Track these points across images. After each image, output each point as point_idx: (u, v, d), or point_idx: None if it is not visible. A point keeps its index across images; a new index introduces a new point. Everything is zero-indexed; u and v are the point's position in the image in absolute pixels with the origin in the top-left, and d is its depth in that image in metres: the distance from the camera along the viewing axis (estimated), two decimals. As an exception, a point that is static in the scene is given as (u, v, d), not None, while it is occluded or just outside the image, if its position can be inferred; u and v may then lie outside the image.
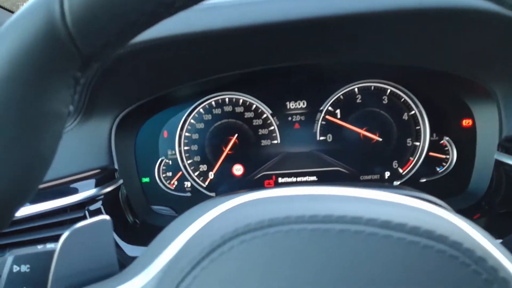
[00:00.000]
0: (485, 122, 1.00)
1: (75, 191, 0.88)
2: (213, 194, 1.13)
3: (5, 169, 0.29)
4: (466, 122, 1.04)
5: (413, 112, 1.07)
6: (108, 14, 0.28)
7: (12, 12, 1.16)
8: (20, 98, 0.28)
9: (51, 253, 0.45)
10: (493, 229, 0.82)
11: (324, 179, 1.10)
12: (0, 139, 0.28)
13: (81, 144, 0.93)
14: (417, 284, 0.29)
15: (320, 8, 0.73)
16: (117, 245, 0.85)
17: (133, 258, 0.85)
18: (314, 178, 1.10)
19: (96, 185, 0.90)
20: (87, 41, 0.29)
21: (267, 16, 0.73)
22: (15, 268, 0.45)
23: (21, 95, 0.28)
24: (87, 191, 0.88)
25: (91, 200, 0.88)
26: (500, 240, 0.65)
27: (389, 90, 1.07)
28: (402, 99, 1.07)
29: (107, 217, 0.43)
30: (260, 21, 0.73)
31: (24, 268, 0.45)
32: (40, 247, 0.48)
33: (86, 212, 0.87)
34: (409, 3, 0.71)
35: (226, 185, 1.12)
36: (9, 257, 0.45)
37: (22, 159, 0.30)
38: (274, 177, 1.11)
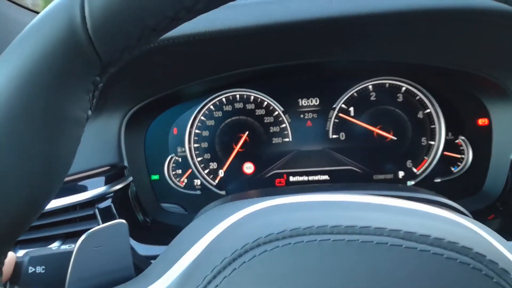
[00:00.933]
0: (502, 121, 0.99)
1: (84, 188, 0.88)
2: (223, 192, 1.11)
3: (24, 175, 0.29)
4: (482, 121, 1.02)
5: (428, 110, 1.05)
6: (129, 19, 0.28)
7: (19, 4, 1.15)
8: (40, 104, 0.28)
9: (66, 254, 0.45)
10: (507, 230, 0.81)
11: (337, 178, 1.08)
12: (19, 145, 0.28)
13: (91, 141, 0.92)
14: None
15: (335, 7, 0.72)
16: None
17: (144, 257, 0.85)
18: (326, 177, 1.09)
19: (106, 183, 0.89)
20: (107, 46, 0.29)
21: (283, 15, 0.72)
22: (31, 269, 0.45)
23: (41, 101, 0.28)
24: (96, 188, 0.88)
25: (101, 197, 0.88)
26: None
27: (404, 88, 1.05)
28: (417, 97, 1.05)
29: (123, 221, 0.43)
30: (276, 20, 0.72)
31: (39, 269, 0.45)
32: (54, 248, 0.47)
33: (96, 210, 0.86)
34: (425, 3, 0.70)
35: (237, 184, 1.11)
36: (25, 258, 0.45)
37: (40, 166, 0.29)
38: (285, 175, 1.10)
